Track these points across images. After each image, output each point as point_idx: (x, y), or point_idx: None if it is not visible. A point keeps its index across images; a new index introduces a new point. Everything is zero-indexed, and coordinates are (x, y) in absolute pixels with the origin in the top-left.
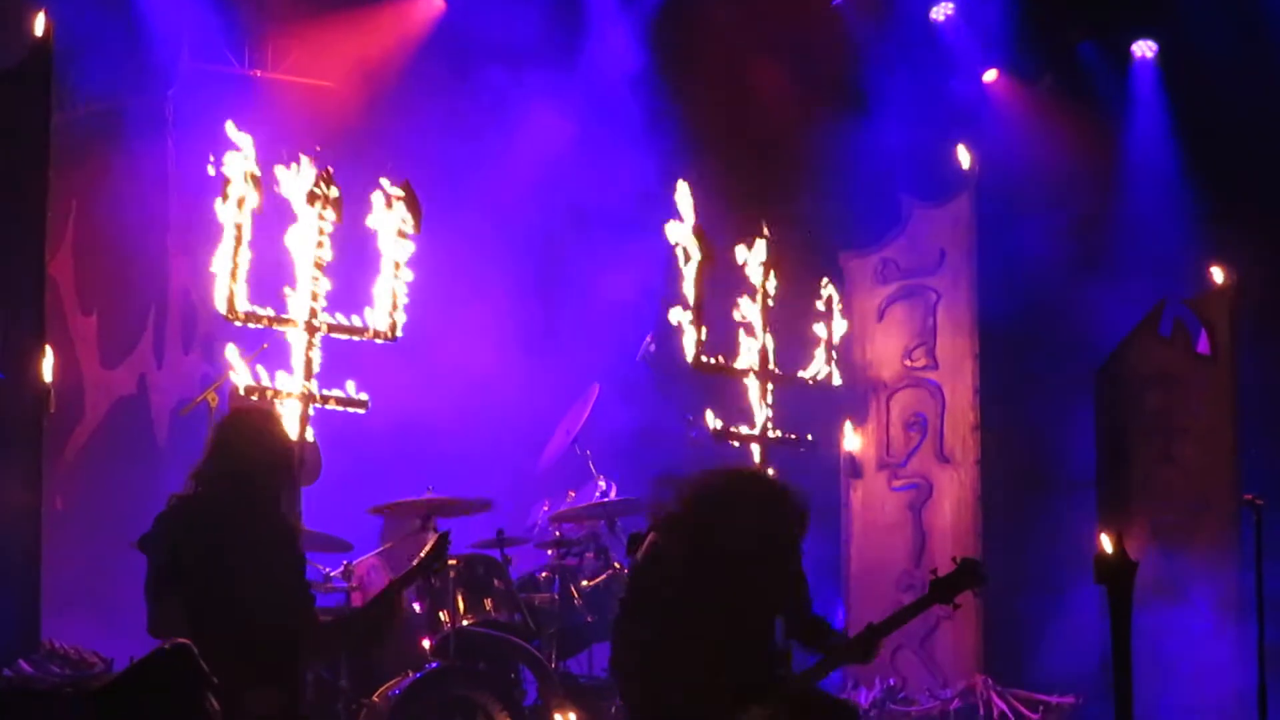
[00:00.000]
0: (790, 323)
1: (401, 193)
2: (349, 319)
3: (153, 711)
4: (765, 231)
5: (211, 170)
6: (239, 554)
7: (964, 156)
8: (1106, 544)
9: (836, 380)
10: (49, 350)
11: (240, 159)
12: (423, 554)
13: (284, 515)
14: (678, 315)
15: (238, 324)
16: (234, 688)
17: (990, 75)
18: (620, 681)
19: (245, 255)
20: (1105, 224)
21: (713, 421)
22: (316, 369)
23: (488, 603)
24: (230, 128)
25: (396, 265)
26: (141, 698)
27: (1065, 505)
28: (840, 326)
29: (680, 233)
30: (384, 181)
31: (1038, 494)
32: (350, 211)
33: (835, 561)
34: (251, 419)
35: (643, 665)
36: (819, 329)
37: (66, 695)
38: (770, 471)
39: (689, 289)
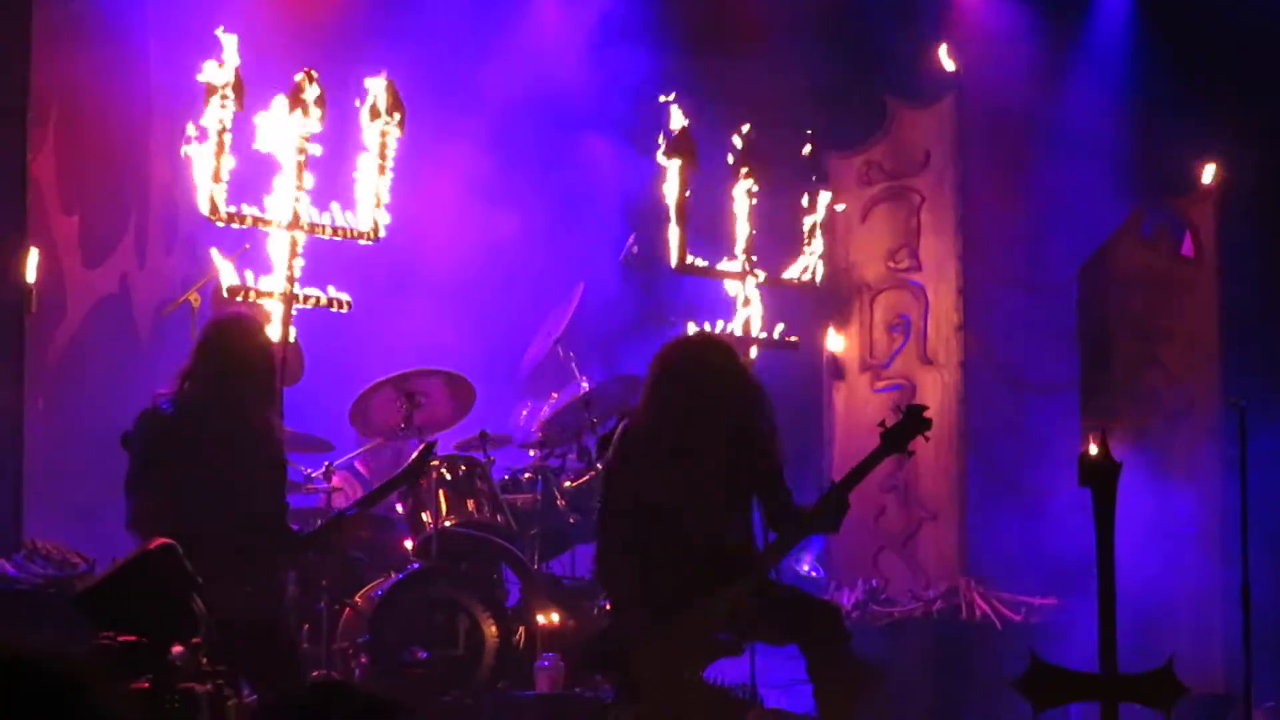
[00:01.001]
0: (774, 223)
1: (385, 91)
2: (332, 219)
3: (140, 611)
4: (744, 130)
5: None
6: (216, 452)
7: (947, 59)
8: (1091, 446)
9: (819, 279)
10: (32, 250)
11: (225, 60)
12: (408, 463)
13: (267, 418)
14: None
15: (220, 225)
16: (202, 580)
17: None
18: (606, 579)
19: (228, 156)
20: (1093, 128)
21: (694, 326)
22: (299, 270)
23: (470, 503)
24: (219, 32)
25: (380, 165)
26: (128, 597)
27: (1048, 407)
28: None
29: (666, 136)
30: (368, 81)
31: (1020, 396)
32: (335, 111)
33: (818, 464)
34: (238, 322)
35: (627, 560)
36: (804, 229)
37: (49, 594)
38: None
39: (672, 190)
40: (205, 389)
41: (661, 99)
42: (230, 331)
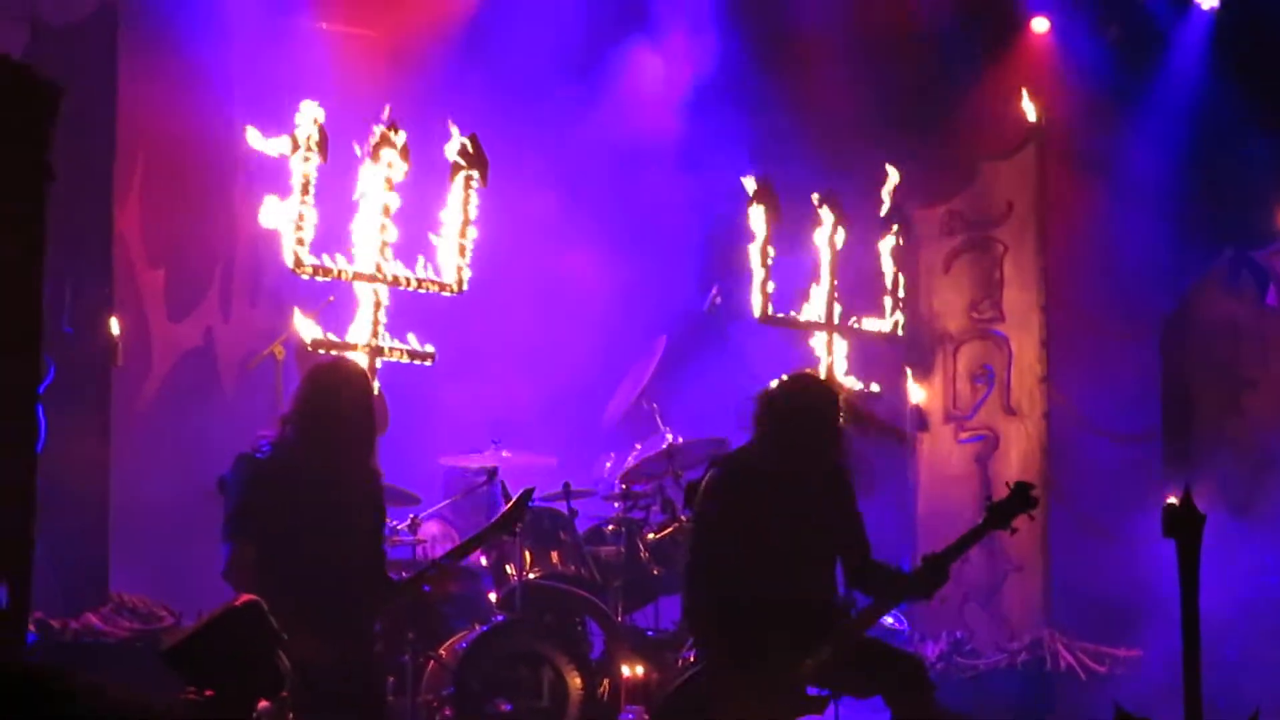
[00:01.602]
0: (858, 275)
1: (469, 144)
2: (414, 271)
3: (225, 667)
4: (825, 193)
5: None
6: (312, 498)
7: (1030, 108)
8: (1175, 497)
9: (902, 332)
10: (116, 305)
11: (310, 114)
12: (505, 510)
13: (368, 466)
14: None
15: (305, 277)
16: (292, 634)
17: (1041, 25)
18: (695, 627)
19: (312, 209)
20: (1174, 175)
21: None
22: (383, 321)
23: (554, 555)
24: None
25: (463, 217)
26: (214, 652)
27: (1132, 457)
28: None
29: (751, 187)
30: (454, 134)
31: (1104, 446)
32: (416, 164)
33: (902, 516)
34: (337, 367)
35: (716, 609)
36: (887, 281)
37: (136, 648)
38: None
39: (756, 242)
40: (302, 434)
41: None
42: (329, 376)
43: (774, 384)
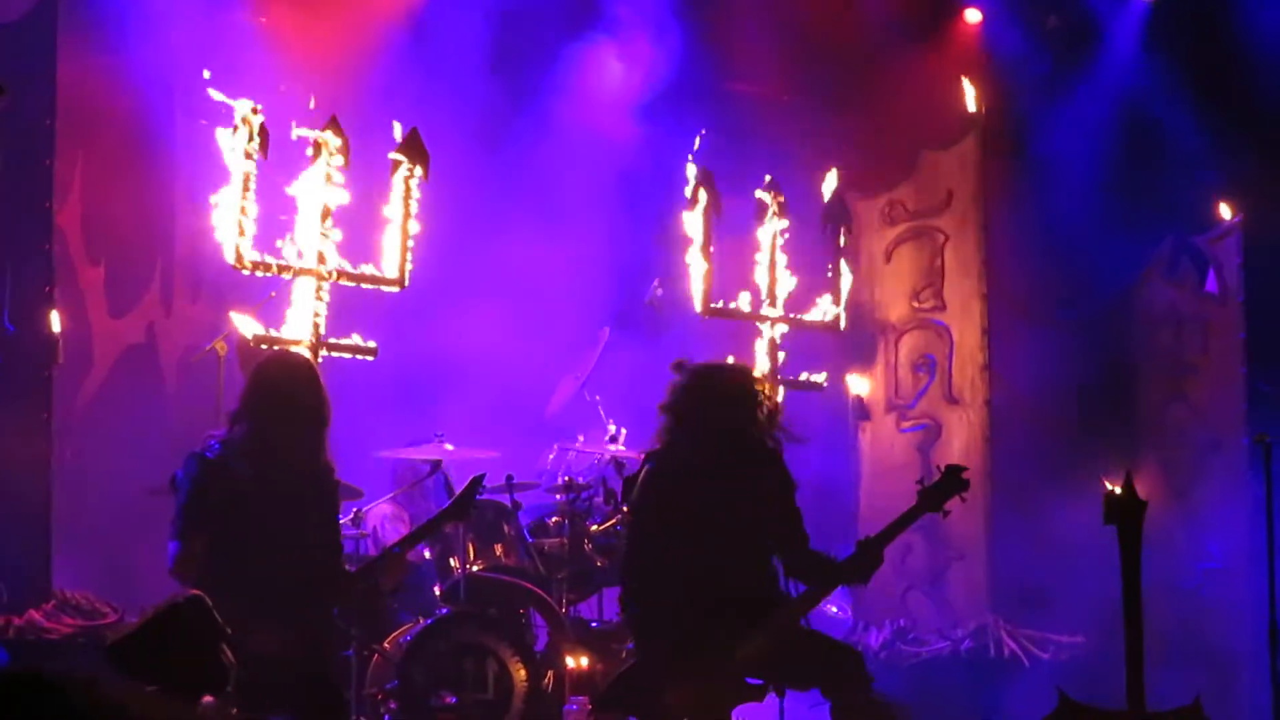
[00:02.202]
0: (799, 265)
1: (409, 139)
2: (355, 267)
3: (169, 662)
4: (766, 184)
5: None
6: (266, 495)
7: (970, 98)
8: (1116, 484)
9: (844, 322)
10: (57, 301)
11: (247, 108)
12: (457, 496)
13: (320, 459)
14: (689, 259)
15: (246, 273)
16: (245, 627)
17: (973, 16)
18: (631, 615)
19: (252, 204)
20: (1113, 164)
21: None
22: (323, 317)
23: (498, 548)
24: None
25: (405, 212)
26: (158, 649)
27: (1074, 445)
28: (848, 269)
29: (692, 178)
30: (396, 130)
31: (1046, 434)
32: (363, 159)
33: (844, 505)
34: (284, 360)
35: (653, 601)
36: (828, 272)
37: (79, 644)
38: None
39: (696, 233)
40: (252, 430)
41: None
42: (277, 370)
43: (685, 374)
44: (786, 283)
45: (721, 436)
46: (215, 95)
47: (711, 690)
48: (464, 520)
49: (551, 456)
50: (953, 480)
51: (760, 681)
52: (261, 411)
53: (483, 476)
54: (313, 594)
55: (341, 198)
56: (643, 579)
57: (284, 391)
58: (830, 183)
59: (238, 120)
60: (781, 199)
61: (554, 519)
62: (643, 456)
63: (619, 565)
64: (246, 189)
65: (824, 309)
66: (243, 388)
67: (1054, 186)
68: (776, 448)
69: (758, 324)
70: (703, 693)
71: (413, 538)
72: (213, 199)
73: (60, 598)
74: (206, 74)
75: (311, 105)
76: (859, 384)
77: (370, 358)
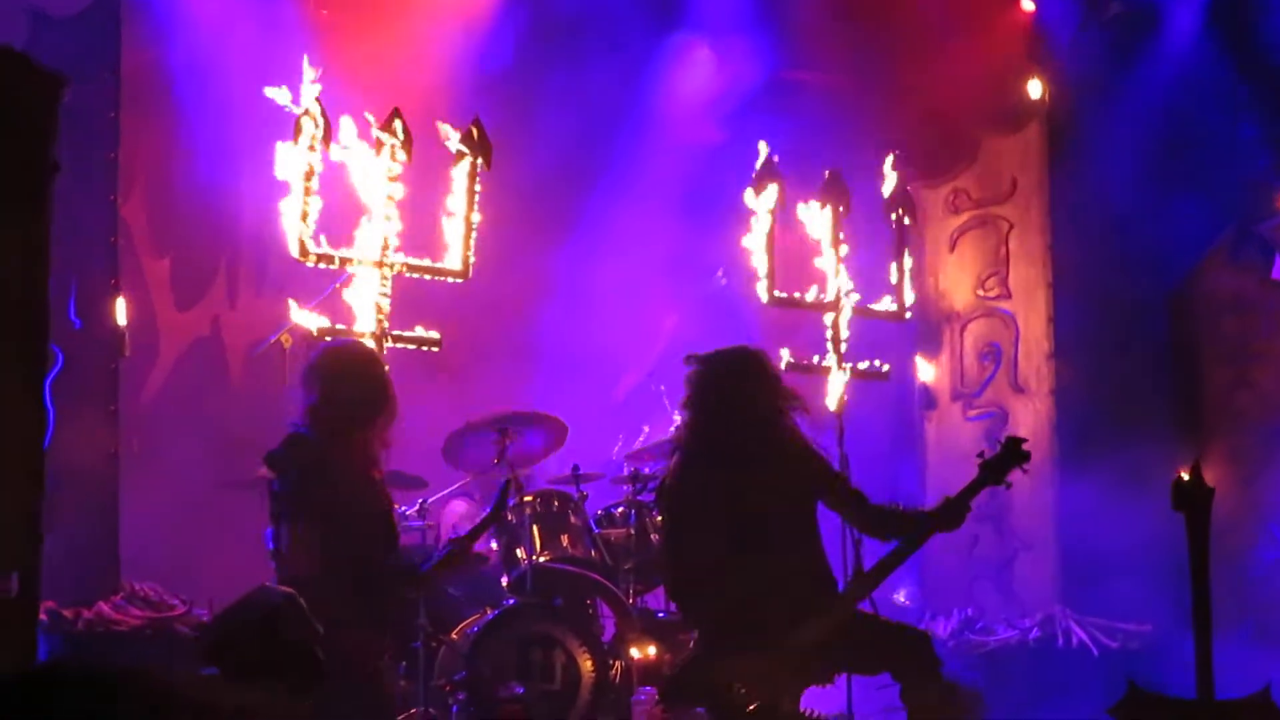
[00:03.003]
0: (864, 255)
1: (473, 130)
2: (422, 259)
3: (262, 660)
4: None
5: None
6: (351, 489)
7: (1034, 85)
8: (1184, 471)
9: (909, 312)
10: (123, 294)
11: (310, 100)
12: (494, 504)
13: (378, 448)
14: (750, 247)
15: (309, 265)
16: (340, 624)
17: (1029, 3)
18: (684, 608)
19: (316, 197)
20: (1173, 150)
21: (786, 356)
22: (387, 309)
23: (564, 539)
24: (305, 66)
25: (468, 204)
26: (253, 647)
27: (1141, 432)
28: (911, 258)
29: (759, 167)
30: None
31: (1113, 422)
32: (424, 152)
33: (913, 494)
34: (359, 350)
35: (698, 587)
36: (891, 261)
37: (147, 636)
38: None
39: (761, 222)
40: (341, 417)
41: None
42: (354, 359)
43: (698, 363)
44: (850, 272)
45: (743, 417)
46: (274, 91)
47: (777, 675)
48: (502, 523)
49: (617, 448)
50: (1013, 451)
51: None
52: (345, 399)
53: (511, 479)
54: (384, 587)
55: (403, 190)
56: (683, 570)
57: (362, 378)
58: (893, 172)
59: (301, 112)
60: (845, 188)
61: (620, 509)
62: (670, 448)
63: (660, 561)
64: (310, 181)
65: (889, 298)
66: (319, 374)
67: (1116, 173)
68: (794, 424)
69: (822, 313)
70: (769, 678)
71: (463, 540)
72: (277, 192)
73: (128, 590)
74: (269, 66)
75: (369, 112)
76: (924, 373)
77: (434, 349)
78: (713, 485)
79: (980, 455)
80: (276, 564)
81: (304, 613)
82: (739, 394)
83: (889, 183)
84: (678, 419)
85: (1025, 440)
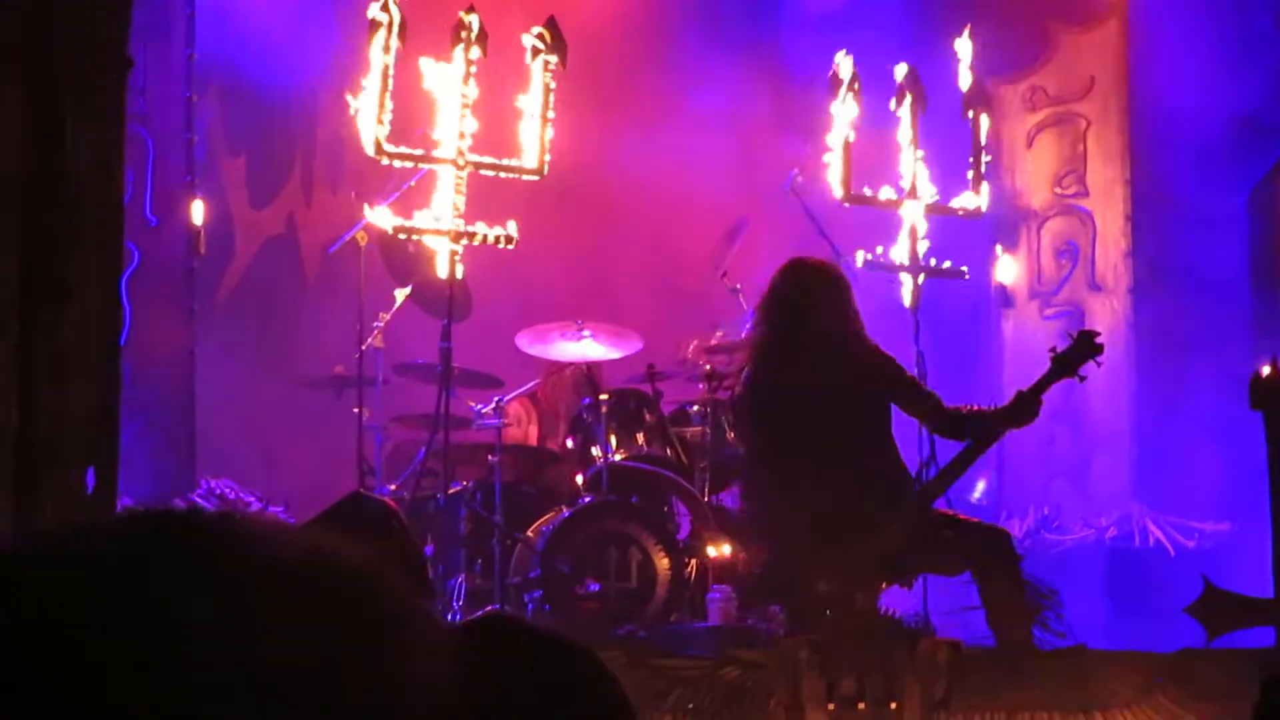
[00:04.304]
0: (939, 152)
1: (548, 27)
2: (497, 156)
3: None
4: (907, 68)
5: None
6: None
7: None
8: (1264, 368)
9: (986, 209)
10: (199, 193)
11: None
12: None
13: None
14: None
15: (385, 163)
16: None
17: None
18: (762, 510)
19: (391, 94)
20: (1258, 44)
21: (864, 255)
22: (462, 207)
23: (639, 437)
24: None
25: (544, 102)
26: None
27: (1220, 331)
28: (988, 155)
29: (835, 63)
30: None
31: (1191, 320)
32: (501, 49)
33: (988, 393)
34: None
35: (769, 491)
36: (968, 158)
37: None
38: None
39: (837, 119)
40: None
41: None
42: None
43: (777, 274)
44: (927, 170)
45: (824, 325)
46: None
47: (854, 575)
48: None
49: (691, 347)
50: (1085, 344)
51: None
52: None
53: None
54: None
55: (479, 89)
56: (768, 472)
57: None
58: (970, 69)
59: (377, 9)
60: (921, 85)
61: (695, 408)
62: (748, 350)
63: (738, 461)
64: (386, 79)
65: (965, 196)
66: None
67: (1195, 70)
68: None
69: (898, 212)
70: (845, 578)
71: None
72: (352, 89)
73: (204, 487)
74: None
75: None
76: (1001, 272)
77: (510, 246)
78: (793, 388)
79: (1052, 350)
80: None
81: (402, 526)
82: (820, 302)
83: (966, 80)
84: (753, 324)
85: (1098, 333)
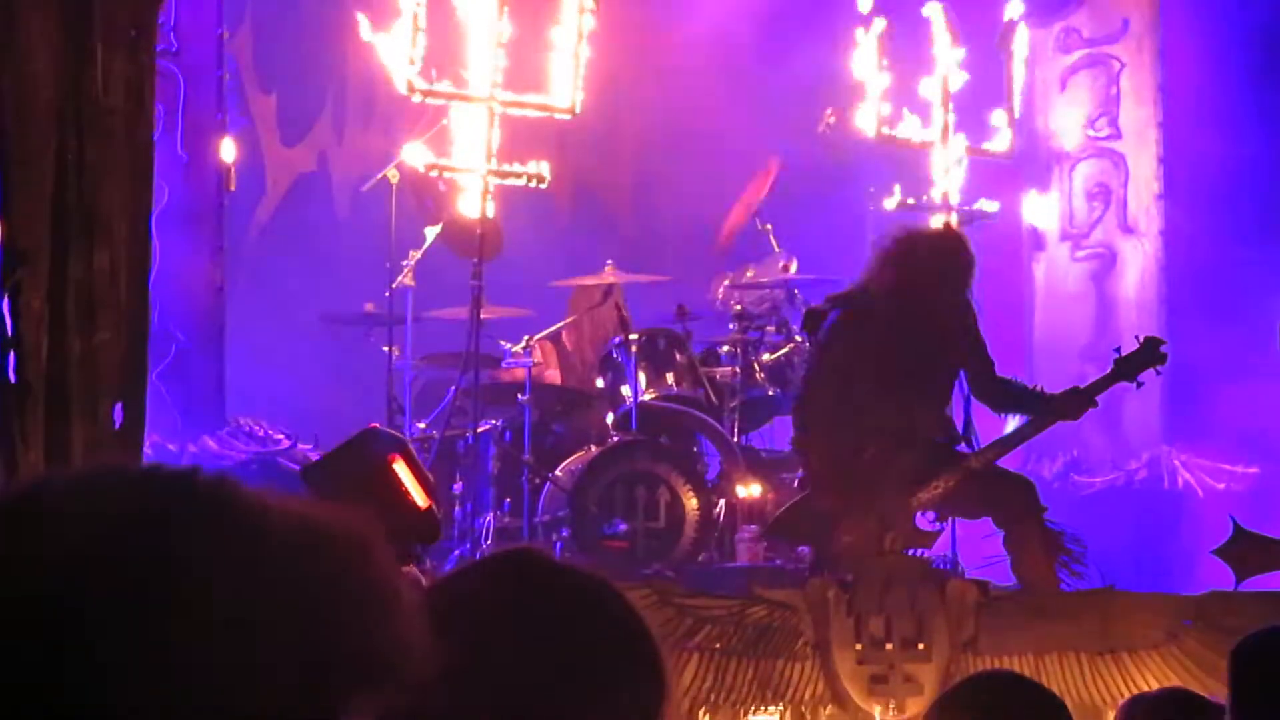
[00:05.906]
0: (973, 93)
1: None
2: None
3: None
4: (939, 9)
5: None
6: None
7: None
8: None
9: (1016, 149)
10: (229, 129)
11: None
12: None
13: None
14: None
15: (416, 100)
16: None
17: None
18: (805, 451)
19: (423, 32)
20: None
21: (897, 195)
22: (495, 145)
23: (669, 376)
24: None
25: (577, 38)
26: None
27: (1252, 274)
28: (1021, 96)
29: (866, 5)
30: None
31: (1222, 263)
32: None
33: (1018, 334)
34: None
35: (827, 430)
36: (1002, 99)
37: (251, 469)
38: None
39: (870, 58)
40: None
41: None
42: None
43: (913, 234)
44: (959, 111)
45: (940, 294)
46: None
47: (884, 529)
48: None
49: (723, 286)
50: (1150, 351)
51: (932, 527)
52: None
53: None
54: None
55: (511, 27)
56: (823, 413)
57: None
58: (1004, 10)
59: None
60: (954, 25)
61: (725, 348)
62: (834, 297)
63: (793, 393)
64: (418, 16)
65: (997, 137)
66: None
67: (1231, 12)
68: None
69: (930, 151)
70: (875, 531)
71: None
72: (384, 27)
73: (234, 424)
74: None
75: None
76: (1033, 213)
77: (541, 185)
78: (889, 342)
79: (1117, 350)
80: None
81: (413, 459)
82: (941, 272)
83: (999, 21)
84: (784, 258)
85: (1163, 341)
